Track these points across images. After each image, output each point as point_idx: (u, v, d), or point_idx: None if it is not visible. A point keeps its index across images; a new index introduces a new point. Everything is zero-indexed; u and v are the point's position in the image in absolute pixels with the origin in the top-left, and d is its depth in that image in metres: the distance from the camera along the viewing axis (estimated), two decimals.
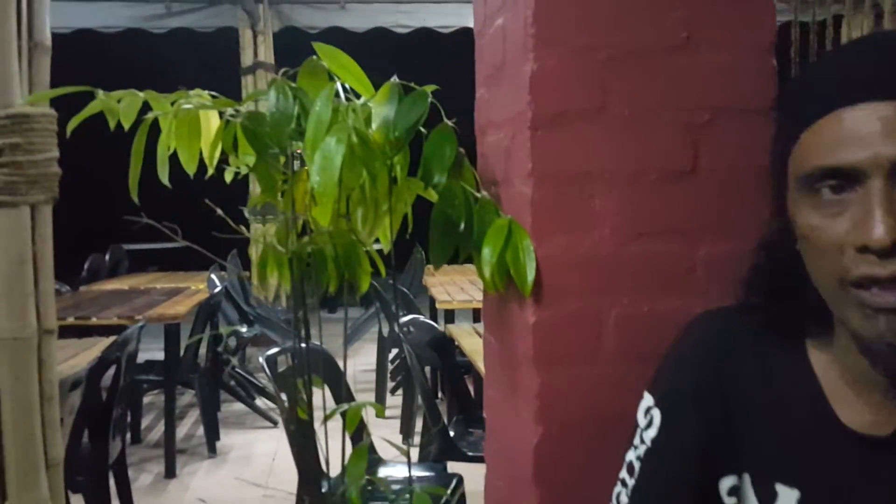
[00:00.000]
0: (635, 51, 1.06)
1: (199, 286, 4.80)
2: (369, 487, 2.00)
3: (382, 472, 2.55)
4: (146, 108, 1.26)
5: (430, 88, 1.22)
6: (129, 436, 3.84)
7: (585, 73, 1.07)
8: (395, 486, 2.44)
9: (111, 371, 2.80)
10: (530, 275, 1.09)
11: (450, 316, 4.33)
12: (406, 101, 1.22)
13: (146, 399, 4.59)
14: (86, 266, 5.51)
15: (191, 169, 1.28)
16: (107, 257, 6.05)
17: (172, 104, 1.26)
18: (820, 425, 0.75)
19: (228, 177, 1.34)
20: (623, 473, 0.88)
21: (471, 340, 3.09)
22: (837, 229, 0.69)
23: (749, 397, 0.80)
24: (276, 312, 5.06)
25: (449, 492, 2.39)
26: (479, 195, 1.21)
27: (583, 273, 1.09)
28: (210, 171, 1.29)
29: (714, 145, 1.08)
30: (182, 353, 3.90)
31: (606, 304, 1.09)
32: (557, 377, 1.10)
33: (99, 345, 3.06)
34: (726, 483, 0.81)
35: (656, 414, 0.85)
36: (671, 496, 0.83)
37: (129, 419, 3.76)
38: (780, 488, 0.76)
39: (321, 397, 1.39)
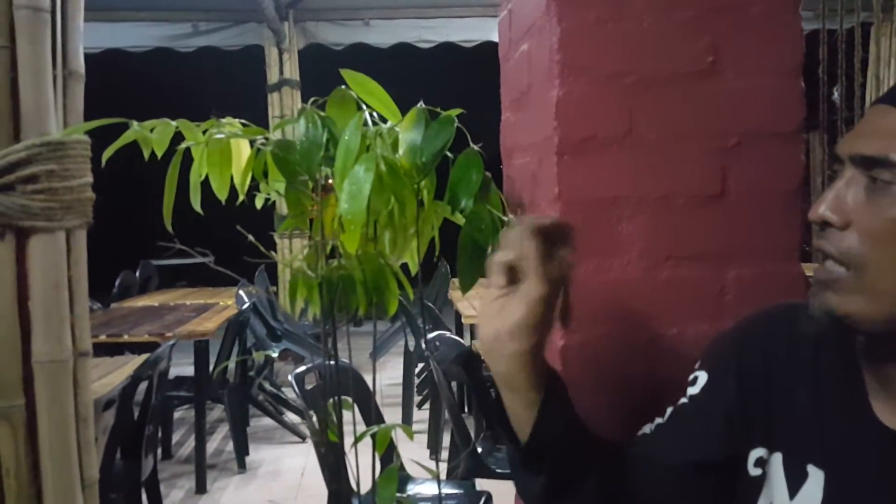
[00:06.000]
0: (662, 76, 1.07)
1: (228, 302, 4.85)
2: None
3: (412, 489, 2.56)
4: (178, 133, 1.28)
5: (455, 112, 1.23)
6: (160, 451, 3.88)
7: (612, 99, 1.07)
8: None
9: (142, 386, 2.84)
10: None
11: (476, 330, 4.33)
12: (433, 126, 1.23)
13: (176, 414, 4.63)
14: (117, 283, 5.58)
15: (222, 195, 1.30)
16: (137, 273, 6.13)
17: (204, 132, 1.29)
18: (856, 416, 0.78)
19: (259, 202, 1.36)
20: (656, 419, 0.94)
21: None
22: None
23: (797, 382, 0.84)
24: (304, 327, 5.09)
25: None
26: (506, 218, 1.21)
27: (611, 297, 1.09)
28: (241, 198, 1.31)
29: (742, 169, 1.08)
30: (212, 373, 3.94)
31: (635, 328, 1.09)
32: (585, 401, 1.10)
33: (131, 363, 3.10)
34: (755, 454, 0.85)
35: (702, 375, 0.91)
36: (695, 443, 0.88)
37: (160, 435, 3.80)
38: (812, 469, 0.80)
39: (350, 416, 1.40)
